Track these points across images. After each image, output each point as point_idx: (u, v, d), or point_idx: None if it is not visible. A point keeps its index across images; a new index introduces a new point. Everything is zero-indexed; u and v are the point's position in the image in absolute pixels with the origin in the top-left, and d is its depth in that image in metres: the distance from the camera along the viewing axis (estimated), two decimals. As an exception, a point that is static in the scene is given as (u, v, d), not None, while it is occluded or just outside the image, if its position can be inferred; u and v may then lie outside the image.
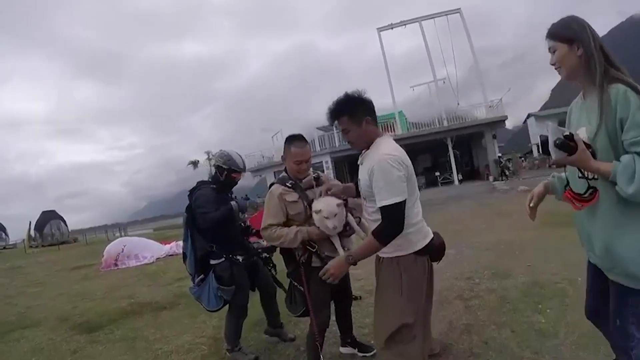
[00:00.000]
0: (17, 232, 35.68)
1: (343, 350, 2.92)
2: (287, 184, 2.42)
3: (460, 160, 24.30)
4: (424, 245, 1.97)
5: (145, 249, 10.56)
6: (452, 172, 22.49)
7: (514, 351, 2.58)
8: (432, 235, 2.07)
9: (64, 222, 32.64)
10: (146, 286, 6.65)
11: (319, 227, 2.26)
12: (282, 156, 2.58)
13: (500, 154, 22.06)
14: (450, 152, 22.10)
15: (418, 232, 1.97)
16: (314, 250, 2.35)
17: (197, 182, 3.14)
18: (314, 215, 2.27)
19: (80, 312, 5.35)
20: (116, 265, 9.74)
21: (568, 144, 1.30)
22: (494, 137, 22.07)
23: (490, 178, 20.25)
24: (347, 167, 25.15)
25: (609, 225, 1.39)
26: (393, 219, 1.80)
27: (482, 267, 4.65)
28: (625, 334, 1.44)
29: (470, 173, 24.71)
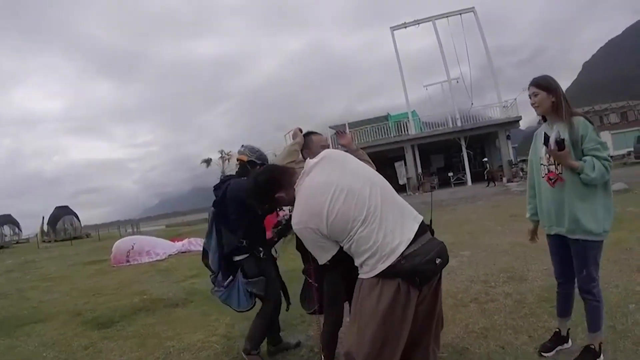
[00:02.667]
0: (31, 227, 36.21)
1: None
2: None
3: (473, 161, 24.07)
4: (385, 267, 1.62)
5: (157, 246, 10.56)
6: (465, 173, 22.27)
7: (531, 357, 2.52)
8: (398, 256, 1.62)
9: (77, 217, 33.08)
10: (158, 282, 6.65)
11: None
12: (302, 151, 2.56)
13: (511, 157, 21.74)
14: (463, 153, 21.89)
15: (373, 255, 1.64)
16: None
17: (225, 177, 3.00)
18: None
19: (92, 308, 5.35)
20: (128, 261, 9.77)
21: (562, 142, 2.10)
22: (508, 137, 21.84)
23: (504, 179, 20.00)
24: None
25: (575, 200, 2.19)
26: None
27: (497, 270, 4.58)
28: (590, 278, 2.23)
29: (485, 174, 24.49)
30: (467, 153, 22.33)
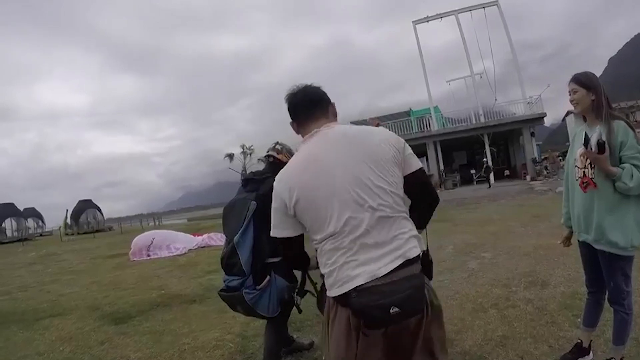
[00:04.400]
0: (54, 220, 37.35)
1: None
2: None
3: (496, 158, 23.55)
4: (336, 295, 1.40)
5: (176, 241, 10.63)
6: (490, 171, 21.76)
7: None
8: (351, 288, 1.34)
9: (100, 211, 33.87)
10: (177, 278, 6.68)
11: None
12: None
13: (535, 155, 21.14)
14: (486, 150, 21.40)
15: (330, 275, 1.43)
16: None
17: (262, 172, 2.72)
18: None
19: (110, 302, 5.41)
20: (148, 255, 9.90)
21: (604, 145, 1.98)
22: (532, 134, 21.27)
23: (527, 177, 19.49)
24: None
25: (604, 209, 2.07)
26: None
27: (519, 274, 4.42)
28: (619, 290, 2.13)
29: (509, 172, 23.88)
30: (491, 150, 21.82)
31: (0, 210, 30.52)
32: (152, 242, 10.31)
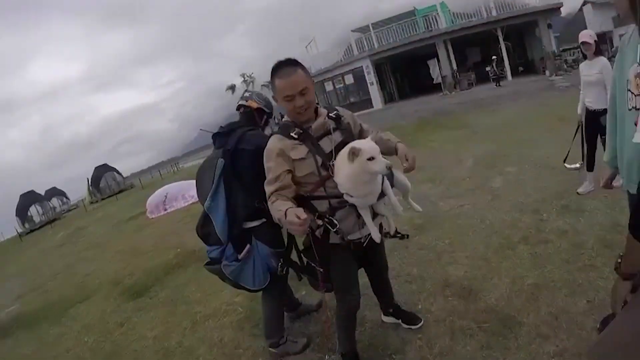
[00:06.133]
0: (79, 191, 37.78)
1: (385, 319, 2.47)
2: (292, 134, 1.74)
3: (512, 54, 21.86)
4: None
5: (190, 189, 10.31)
6: (503, 68, 20.33)
7: (588, 336, 1.96)
8: None
9: (117, 171, 34.44)
10: (192, 231, 6.70)
11: (302, 210, 1.53)
12: (272, 96, 1.87)
13: (554, 48, 19.39)
14: (501, 45, 19.79)
15: None
16: (334, 229, 1.74)
17: (231, 124, 2.40)
18: (342, 167, 1.63)
19: (130, 272, 5.58)
20: (165, 209, 9.97)
21: None
22: (549, 26, 19.55)
23: (547, 72, 18.10)
24: (390, 69, 23.52)
25: None
26: None
27: (550, 195, 3.86)
28: None
29: (525, 67, 22.24)
30: (505, 45, 20.17)
31: (22, 201, 31.28)
32: (165, 197, 10.33)
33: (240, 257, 2.21)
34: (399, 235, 2.05)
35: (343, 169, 1.63)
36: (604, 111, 2.90)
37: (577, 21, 28.06)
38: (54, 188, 36.45)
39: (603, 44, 16.54)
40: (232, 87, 36.03)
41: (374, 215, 1.83)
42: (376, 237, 1.75)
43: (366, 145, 1.58)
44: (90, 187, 32.20)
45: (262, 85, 32.06)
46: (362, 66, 20.83)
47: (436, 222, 3.87)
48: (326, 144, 1.76)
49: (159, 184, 18.65)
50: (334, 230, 1.74)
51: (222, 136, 2.28)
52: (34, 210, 31.06)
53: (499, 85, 17.44)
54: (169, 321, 3.58)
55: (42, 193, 33.82)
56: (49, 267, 8.74)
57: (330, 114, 1.83)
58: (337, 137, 1.78)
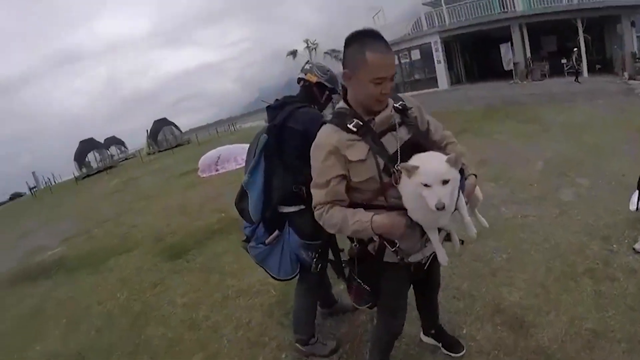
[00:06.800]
0: (137, 144, 39.67)
1: (425, 339, 2.25)
2: (350, 126, 1.41)
3: (591, 49, 19.81)
4: None
5: (243, 152, 10.65)
6: (581, 62, 18.48)
7: None
8: None
9: (176, 126, 35.45)
10: (239, 196, 6.77)
11: (404, 212, 1.36)
12: (344, 72, 1.46)
13: (635, 49, 17.31)
14: (580, 37, 17.95)
15: None
16: (393, 248, 1.46)
17: (285, 97, 2.25)
18: (404, 183, 1.35)
19: (173, 230, 5.72)
20: (217, 170, 10.07)
21: None
22: (633, 24, 17.39)
23: (625, 75, 16.23)
24: (459, 48, 22.24)
25: None
26: None
27: (622, 221, 3.35)
28: None
29: (602, 65, 20.16)
30: (584, 37, 18.25)
31: (81, 147, 32.51)
32: (218, 158, 10.42)
33: (267, 242, 2.10)
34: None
35: (404, 182, 1.35)
36: None
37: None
38: (114, 137, 38.08)
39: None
40: (294, 53, 35.71)
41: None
42: (444, 260, 1.47)
43: (427, 165, 1.28)
44: (149, 139, 33.60)
45: (325, 53, 31.45)
46: (430, 42, 19.91)
47: (496, 230, 3.46)
48: (390, 143, 1.43)
49: (215, 141, 19.10)
50: (393, 249, 1.46)
51: (273, 110, 2.13)
52: (92, 157, 32.38)
53: (578, 81, 15.92)
54: (200, 290, 3.59)
55: (102, 141, 35.27)
56: (98, 213, 9.20)
57: (395, 105, 1.50)
58: (403, 134, 1.46)
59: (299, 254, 2.11)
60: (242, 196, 2.09)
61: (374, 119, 1.44)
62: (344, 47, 1.42)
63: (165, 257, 4.64)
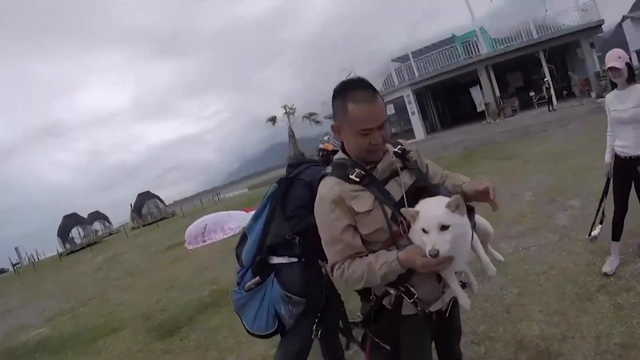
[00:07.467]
0: (121, 216, 39.31)
1: None
2: (352, 176, 1.34)
3: (556, 77, 21.07)
4: None
5: (230, 221, 10.43)
6: (549, 91, 19.56)
7: None
8: None
9: (160, 199, 35.50)
10: (229, 266, 6.56)
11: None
12: (332, 126, 1.44)
13: (598, 69, 18.52)
14: (544, 68, 19.10)
15: None
16: (412, 299, 1.35)
17: (305, 157, 2.41)
18: (412, 230, 1.28)
19: (163, 307, 5.46)
20: (204, 241, 9.91)
21: None
22: (592, 45, 18.79)
23: (592, 95, 17.17)
24: (431, 98, 23.35)
25: None
26: None
27: (624, 232, 3.21)
28: None
29: (568, 91, 21.40)
30: (548, 68, 19.44)
31: (65, 223, 32.34)
32: (204, 228, 10.27)
33: (246, 286, 2.01)
34: (460, 282, 1.67)
35: (412, 229, 1.27)
36: None
37: (616, 38, 26.68)
38: (97, 212, 37.71)
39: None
40: (273, 119, 36.95)
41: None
42: (466, 303, 1.36)
43: (426, 210, 1.22)
44: (133, 213, 33.33)
45: (303, 117, 32.54)
46: (402, 96, 20.82)
47: (499, 267, 3.30)
48: (394, 189, 1.36)
49: (200, 213, 19.00)
50: (411, 301, 1.34)
51: (290, 167, 2.21)
52: (76, 232, 32.02)
53: (553, 109, 16.63)
54: (197, 368, 3.35)
55: (85, 216, 34.95)
56: (83, 291, 8.93)
57: (394, 149, 1.45)
58: (406, 178, 1.39)
59: (277, 308, 1.96)
60: (242, 240, 2.11)
61: (376, 166, 1.38)
62: (332, 99, 1.39)
63: (156, 335, 4.38)
